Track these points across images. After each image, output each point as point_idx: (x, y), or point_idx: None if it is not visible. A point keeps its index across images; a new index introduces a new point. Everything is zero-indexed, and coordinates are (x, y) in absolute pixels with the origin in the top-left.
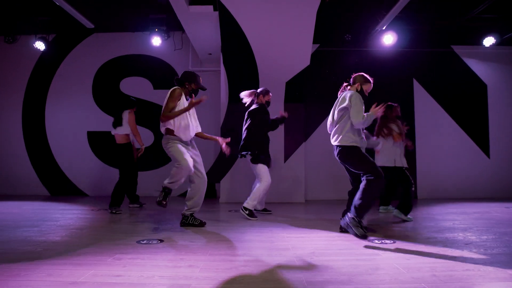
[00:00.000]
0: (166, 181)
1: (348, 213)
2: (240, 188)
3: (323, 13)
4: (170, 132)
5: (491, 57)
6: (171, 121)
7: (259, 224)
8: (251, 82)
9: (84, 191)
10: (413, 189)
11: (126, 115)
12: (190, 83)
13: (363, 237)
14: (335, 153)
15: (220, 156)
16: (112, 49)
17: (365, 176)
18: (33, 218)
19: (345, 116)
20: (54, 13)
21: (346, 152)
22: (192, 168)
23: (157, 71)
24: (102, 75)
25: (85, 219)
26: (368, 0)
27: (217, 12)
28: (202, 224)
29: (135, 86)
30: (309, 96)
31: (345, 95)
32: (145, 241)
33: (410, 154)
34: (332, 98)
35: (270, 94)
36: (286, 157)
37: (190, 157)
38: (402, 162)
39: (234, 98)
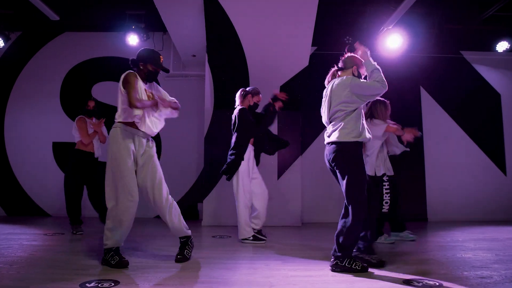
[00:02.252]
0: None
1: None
2: (226, 208)
3: (322, 13)
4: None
5: (505, 63)
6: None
7: (251, 255)
8: (240, 85)
9: (45, 211)
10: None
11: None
12: (145, 64)
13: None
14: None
15: (203, 172)
16: (84, 50)
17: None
18: None
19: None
20: (17, 6)
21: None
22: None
23: None
24: (72, 79)
25: (29, 247)
26: None
27: (201, 0)
28: (121, 263)
29: (109, 92)
30: (306, 104)
31: (340, 83)
32: (93, 283)
33: (418, 171)
34: None
35: (261, 95)
36: (280, 173)
37: None
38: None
39: (220, 103)
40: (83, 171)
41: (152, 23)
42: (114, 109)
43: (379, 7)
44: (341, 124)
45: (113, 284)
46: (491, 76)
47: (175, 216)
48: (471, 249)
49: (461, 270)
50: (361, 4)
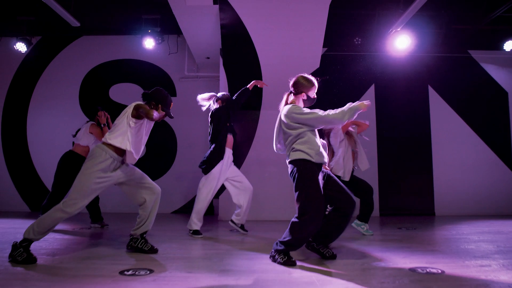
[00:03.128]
0: None
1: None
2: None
3: (332, 15)
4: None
5: None
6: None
7: (266, 248)
8: (254, 86)
9: None
10: None
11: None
12: (157, 104)
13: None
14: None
15: None
16: (102, 53)
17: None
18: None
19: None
20: (39, 12)
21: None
22: None
23: (150, 77)
24: (90, 81)
25: (61, 240)
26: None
27: (217, 6)
28: (153, 250)
29: (126, 93)
30: (317, 103)
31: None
32: (130, 272)
33: (425, 166)
34: (340, 105)
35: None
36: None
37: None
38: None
39: None
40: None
41: (167, 27)
42: None
43: (388, 10)
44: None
45: (148, 272)
46: (498, 74)
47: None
48: (475, 241)
49: (463, 260)
50: (371, 7)
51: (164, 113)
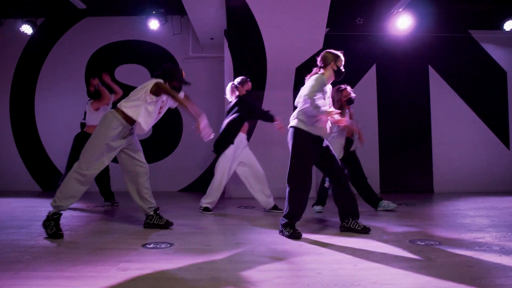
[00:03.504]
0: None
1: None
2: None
3: None
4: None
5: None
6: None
7: (276, 223)
8: (259, 67)
9: None
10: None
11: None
12: (171, 81)
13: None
14: None
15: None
16: (106, 34)
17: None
18: (21, 217)
19: None
20: None
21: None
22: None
23: (155, 57)
24: (96, 62)
25: (80, 218)
26: None
27: None
28: (168, 223)
29: (131, 74)
30: None
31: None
32: (152, 245)
33: (425, 145)
34: (341, 83)
35: (249, 82)
36: None
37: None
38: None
39: None
40: None
41: (171, 7)
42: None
43: None
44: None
45: (168, 245)
46: (498, 54)
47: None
48: (471, 216)
49: (459, 233)
50: None
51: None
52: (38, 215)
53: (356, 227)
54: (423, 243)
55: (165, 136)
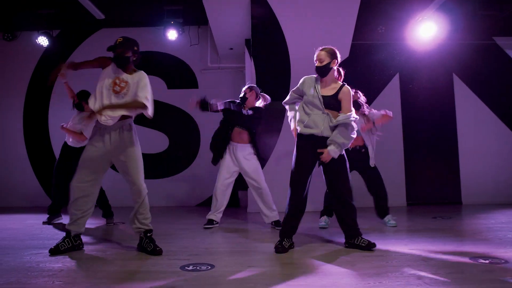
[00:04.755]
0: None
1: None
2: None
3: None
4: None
5: None
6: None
7: (327, 236)
8: (282, 76)
9: None
10: None
11: None
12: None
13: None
14: None
15: None
16: None
17: None
18: (40, 235)
19: None
20: (59, 5)
21: None
22: None
23: (171, 69)
24: None
25: (104, 235)
26: None
27: None
28: (155, 252)
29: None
30: None
31: None
32: (191, 267)
33: (451, 155)
34: (366, 94)
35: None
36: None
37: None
38: None
39: None
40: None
41: (188, 18)
42: (155, 103)
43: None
44: None
45: (209, 267)
46: None
47: None
48: None
49: None
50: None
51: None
52: (58, 232)
53: (360, 243)
54: (487, 261)
55: (182, 149)
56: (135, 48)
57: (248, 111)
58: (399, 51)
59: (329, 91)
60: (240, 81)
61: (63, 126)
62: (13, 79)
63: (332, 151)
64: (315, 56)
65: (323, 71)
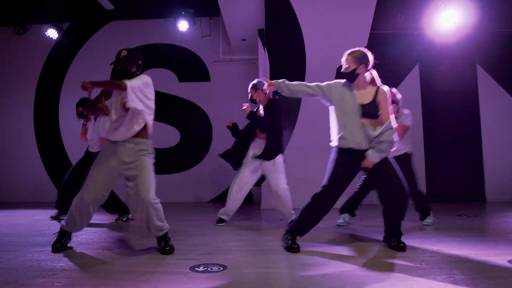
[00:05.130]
0: None
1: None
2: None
3: None
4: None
5: None
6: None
7: (331, 238)
8: (297, 68)
9: None
10: None
11: None
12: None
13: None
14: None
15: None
16: (132, 38)
17: None
18: (46, 232)
19: None
20: None
21: None
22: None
23: (182, 61)
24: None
25: (111, 232)
26: None
27: None
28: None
29: (158, 79)
30: None
31: None
32: (201, 268)
33: (475, 150)
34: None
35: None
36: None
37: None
38: None
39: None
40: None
41: (199, 8)
42: (166, 96)
43: None
44: None
45: (221, 268)
46: None
47: None
48: None
49: None
50: None
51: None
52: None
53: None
54: None
55: (193, 145)
56: (140, 62)
57: (261, 111)
58: (419, 41)
59: (366, 97)
60: (253, 73)
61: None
62: (24, 73)
63: (371, 156)
64: (342, 59)
65: (348, 78)
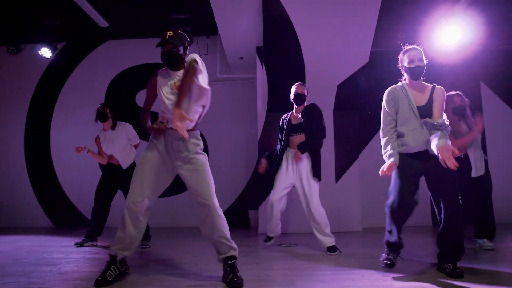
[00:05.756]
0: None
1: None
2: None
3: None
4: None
5: None
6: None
7: (334, 265)
8: None
9: None
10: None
11: None
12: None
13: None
14: None
15: (254, 177)
16: (128, 57)
17: None
18: (25, 260)
19: None
20: (64, 16)
21: None
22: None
23: None
24: (116, 87)
25: (94, 261)
26: None
27: (260, 0)
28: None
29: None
30: (362, 103)
31: None
32: None
33: None
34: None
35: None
36: (338, 177)
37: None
38: None
39: (274, 106)
40: (113, 183)
41: (196, 27)
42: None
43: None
44: None
45: None
46: None
47: None
48: None
49: None
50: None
51: None
52: (45, 257)
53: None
54: None
55: None
56: (186, 44)
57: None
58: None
59: (422, 98)
60: (250, 92)
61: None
62: (17, 93)
63: (445, 144)
64: (409, 55)
65: (420, 73)
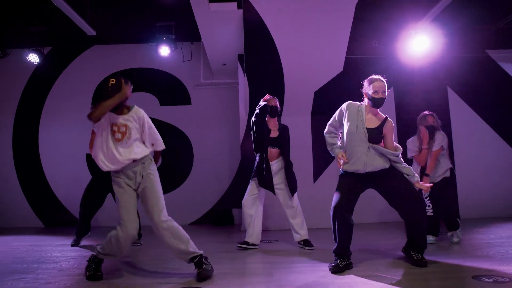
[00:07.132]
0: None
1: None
2: (264, 213)
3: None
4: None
5: None
6: None
7: (310, 259)
8: (277, 92)
9: None
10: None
11: None
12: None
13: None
14: None
15: (238, 176)
16: (114, 62)
17: None
18: (26, 259)
19: None
20: (51, 22)
21: None
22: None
23: (164, 85)
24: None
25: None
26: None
27: (240, 11)
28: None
29: (140, 103)
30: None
31: None
32: None
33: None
34: None
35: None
36: (316, 177)
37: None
38: None
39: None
40: (101, 189)
41: (180, 34)
42: None
43: (407, 11)
44: None
45: None
46: None
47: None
48: None
49: None
50: (389, 10)
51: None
52: (45, 255)
53: (414, 257)
54: (491, 280)
55: (174, 167)
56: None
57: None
58: (392, 65)
59: (374, 122)
60: (233, 97)
61: None
62: (3, 98)
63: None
64: (374, 86)
65: (381, 104)
